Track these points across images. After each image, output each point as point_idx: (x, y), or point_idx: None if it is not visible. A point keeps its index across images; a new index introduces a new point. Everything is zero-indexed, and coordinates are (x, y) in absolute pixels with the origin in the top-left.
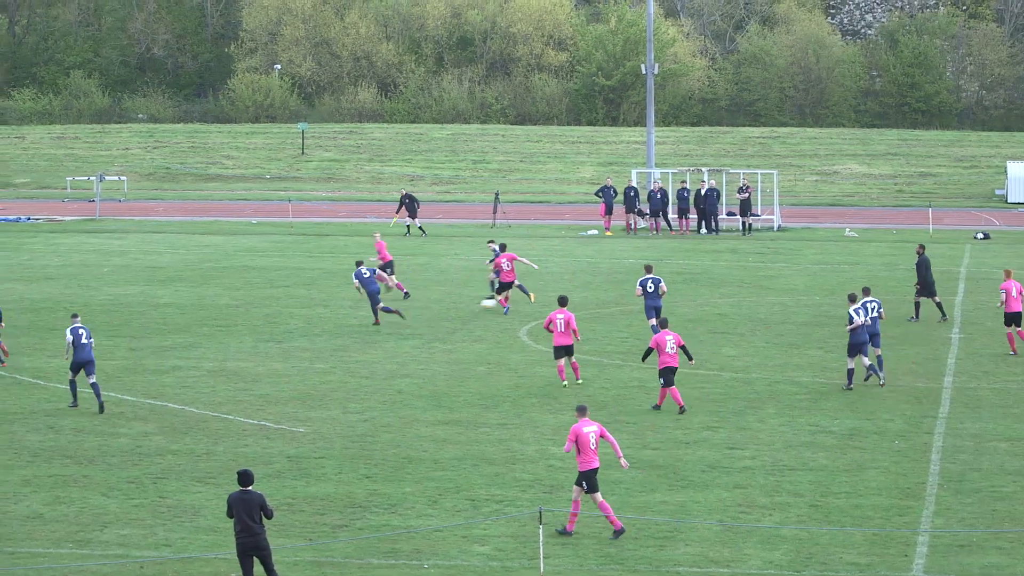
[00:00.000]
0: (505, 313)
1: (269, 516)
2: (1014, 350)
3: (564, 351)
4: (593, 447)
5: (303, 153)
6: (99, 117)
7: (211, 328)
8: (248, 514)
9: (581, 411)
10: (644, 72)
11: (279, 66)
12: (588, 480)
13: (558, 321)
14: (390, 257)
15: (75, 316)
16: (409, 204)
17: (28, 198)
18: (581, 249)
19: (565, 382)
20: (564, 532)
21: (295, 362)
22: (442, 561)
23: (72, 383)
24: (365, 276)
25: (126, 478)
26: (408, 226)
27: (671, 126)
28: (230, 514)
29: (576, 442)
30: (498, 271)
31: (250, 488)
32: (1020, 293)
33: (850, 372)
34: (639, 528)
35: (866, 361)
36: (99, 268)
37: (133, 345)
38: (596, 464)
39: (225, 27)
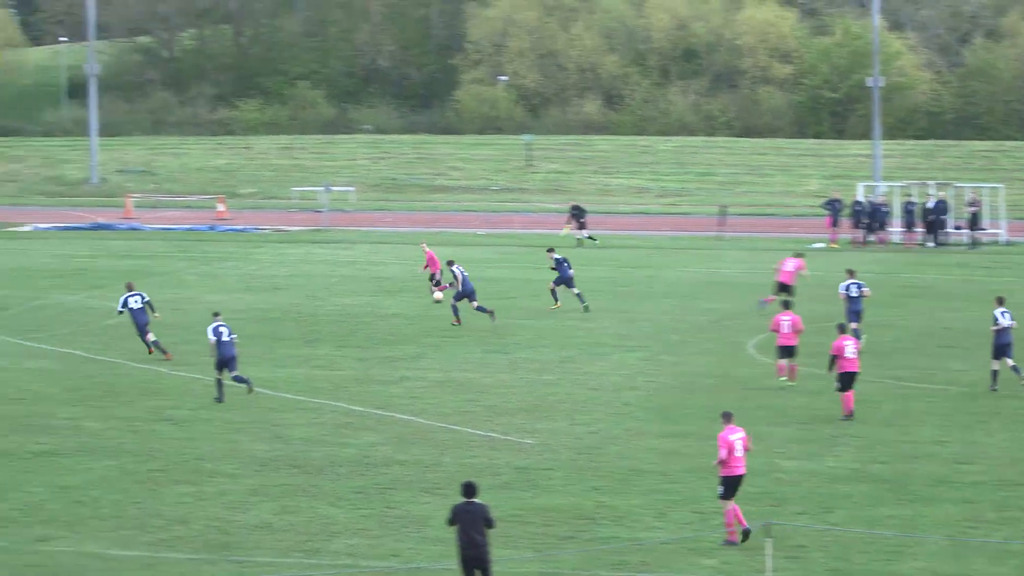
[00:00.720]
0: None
1: (491, 527)
2: None
3: (787, 352)
4: (739, 454)
5: (529, 165)
6: (325, 128)
7: (438, 339)
8: (472, 525)
9: (727, 417)
10: (870, 85)
11: (505, 77)
12: (730, 486)
13: (783, 323)
14: (439, 266)
15: (216, 314)
16: (577, 214)
17: (255, 208)
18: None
19: (783, 378)
20: (729, 543)
21: (522, 373)
22: (669, 574)
23: (218, 381)
24: (465, 275)
25: (354, 488)
26: (579, 239)
27: (897, 139)
28: (452, 523)
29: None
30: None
31: (474, 499)
32: None
33: (994, 373)
34: (867, 542)
35: (1010, 362)
36: (326, 278)
37: (361, 356)
38: (741, 471)
39: (450, 38)
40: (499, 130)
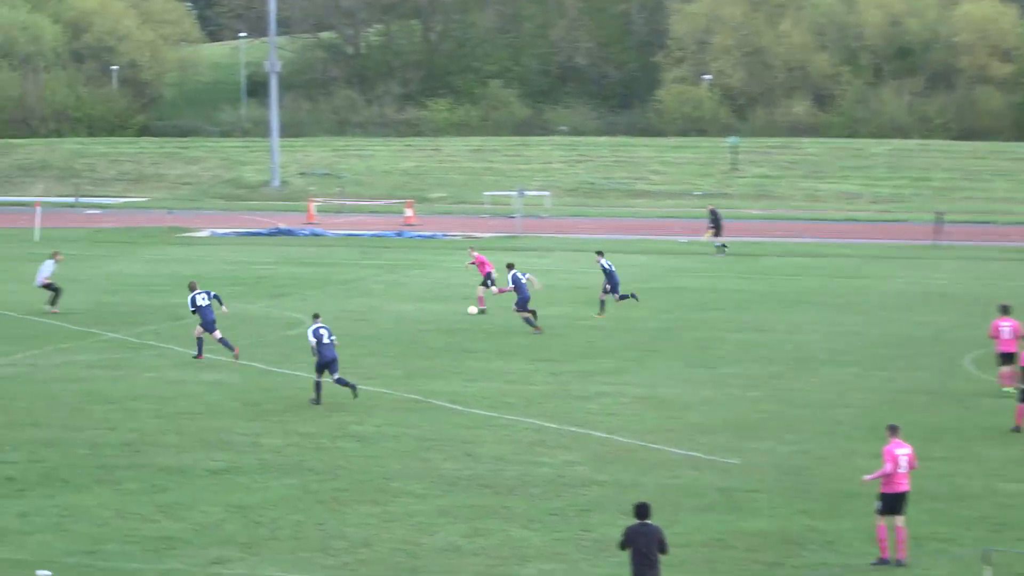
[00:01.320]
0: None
1: (664, 551)
2: None
3: (1007, 359)
4: (903, 470)
5: (734, 169)
6: (519, 129)
7: (638, 352)
8: (646, 548)
9: (893, 430)
10: None
11: (709, 76)
12: (894, 503)
13: (1003, 329)
14: (491, 267)
15: (316, 316)
16: (714, 220)
17: (444, 213)
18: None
19: (1008, 388)
20: (880, 562)
21: (727, 389)
22: None
23: (317, 384)
24: (522, 281)
25: (548, 510)
26: (717, 246)
27: None
28: (624, 546)
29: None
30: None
31: (648, 521)
32: None
33: None
34: None
35: None
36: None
37: (556, 370)
38: (903, 488)
39: (651, 35)
40: (702, 132)
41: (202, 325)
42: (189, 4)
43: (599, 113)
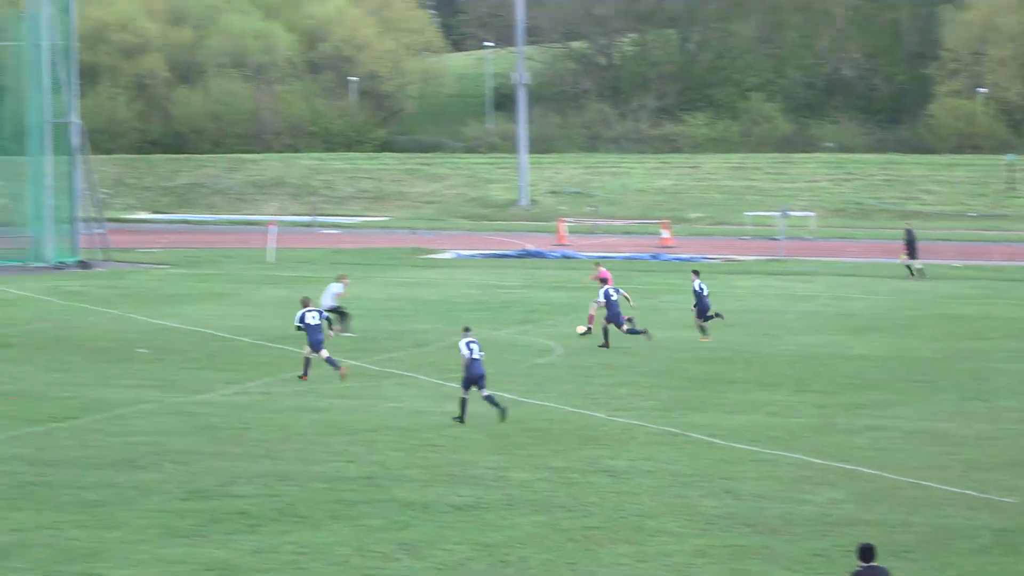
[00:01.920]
0: None
1: None
2: None
3: None
4: None
5: (1011, 188)
6: (782, 145)
7: (910, 384)
8: None
9: None
10: None
11: (984, 90)
12: None
13: None
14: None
15: (467, 329)
16: (909, 241)
17: (703, 235)
18: None
19: None
20: None
21: (1004, 424)
22: None
23: (463, 401)
24: (613, 297)
25: (812, 550)
26: (913, 269)
27: None
28: None
29: None
30: None
31: (876, 563)
32: None
33: None
34: None
35: None
36: (783, 315)
37: (821, 402)
38: None
39: (922, 45)
40: (977, 149)
41: (308, 344)
42: (432, 12)
43: (867, 128)
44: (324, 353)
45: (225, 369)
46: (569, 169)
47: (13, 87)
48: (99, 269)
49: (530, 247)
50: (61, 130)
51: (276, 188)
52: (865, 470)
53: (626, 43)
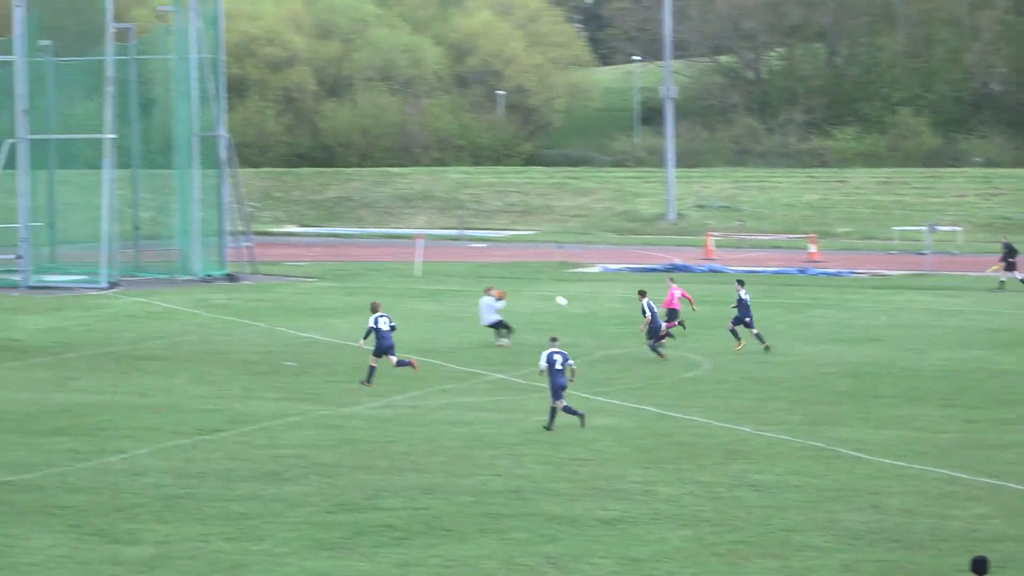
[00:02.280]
0: None
1: None
2: None
3: None
4: None
5: None
6: (929, 160)
7: None
8: None
9: None
10: None
11: None
12: None
13: None
14: (676, 306)
15: (554, 340)
16: (1008, 254)
17: (850, 249)
18: None
19: None
20: None
21: None
22: None
23: (552, 410)
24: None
25: (958, 566)
26: (1002, 280)
27: None
28: None
29: None
30: None
31: None
32: None
33: None
34: None
35: None
36: (930, 329)
37: (969, 417)
38: None
39: None
40: None
41: (378, 350)
42: (579, 26)
43: (1016, 143)
44: (394, 359)
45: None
46: (716, 183)
47: (162, 100)
48: (246, 282)
49: (677, 261)
50: (209, 143)
51: (423, 201)
52: (1014, 486)
53: (773, 57)
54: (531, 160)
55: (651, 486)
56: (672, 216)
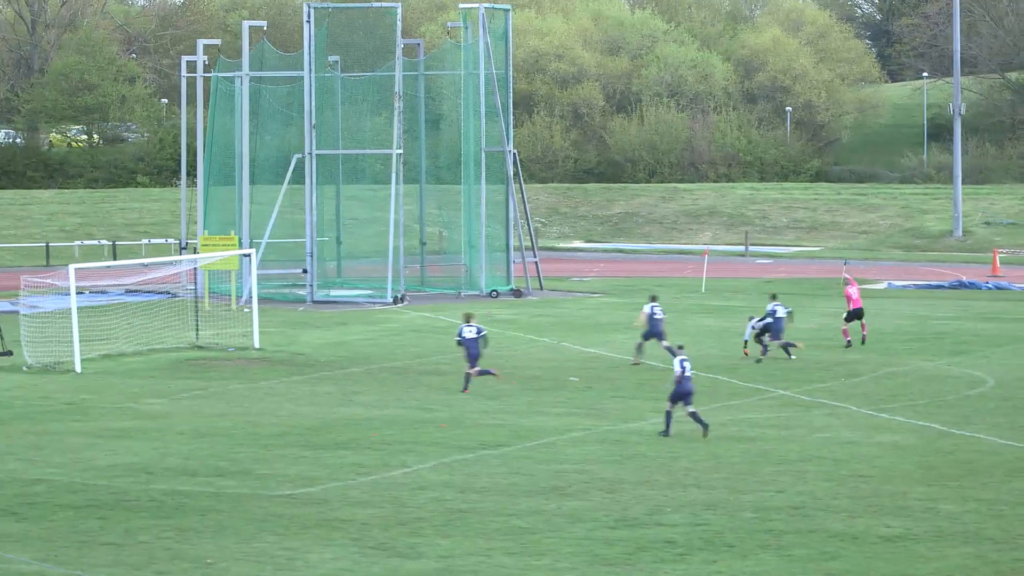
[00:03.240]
0: None
1: None
2: None
3: None
4: None
5: None
6: None
7: None
8: None
9: None
10: None
11: None
12: None
13: None
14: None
15: (680, 347)
16: None
17: None
18: None
19: None
20: None
21: None
22: None
23: (668, 414)
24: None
25: None
26: None
27: None
28: None
29: None
30: None
31: None
32: None
33: None
34: None
35: None
36: None
37: None
38: None
39: None
40: None
41: (466, 358)
42: (868, 43)
43: None
44: (476, 368)
45: (654, 398)
46: (1004, 200)
47: (449, 116)
48: (531, 298)
49: (963, 278)
50: (496, 158)
51: (710, 217)
52: None
53: None
54: (818, 176)
55: (933, 503)
56: (959, 233)
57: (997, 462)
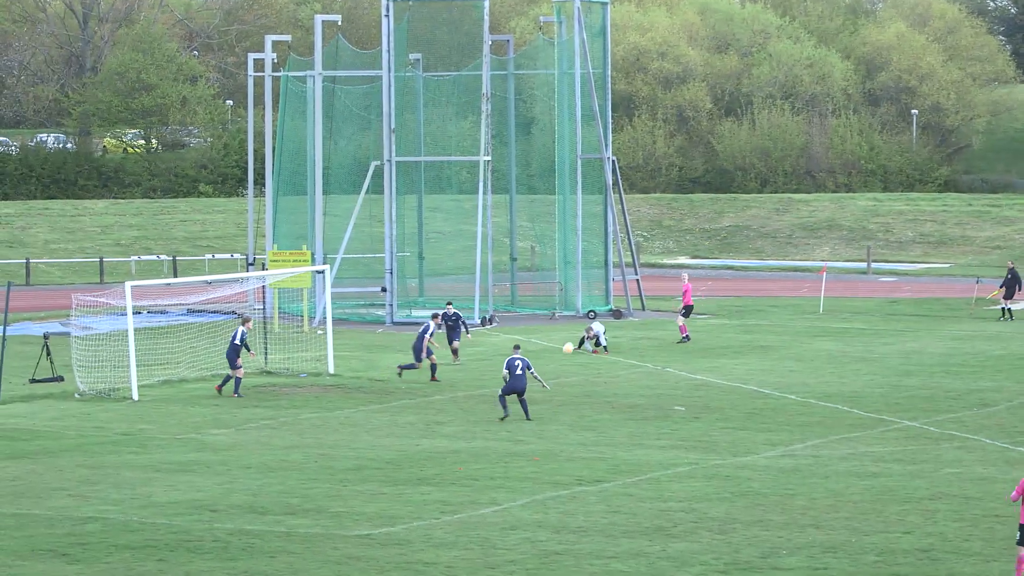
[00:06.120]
0: None
1: None
2: None
3: None
4: None
5: None
6: None
7: None
8: None
9: None
10: None
11: None
12: None
13: None
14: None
15: (516, 347)
16: (1010, 281)
17: None
18: None
19: None
20: None
21: None
22: None
23: None
24: None
25: None
26: (1005, 309)
27: None
28: None
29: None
30: None
31: None
32: None
33: None
34: None
35: None
36: None
37: None
38: None
39: None
40: None
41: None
42: (1002, 39)
43: None
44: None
45: (768, 429)
46: None
47: (542, 119)
48: (632, 318)
49: None
50: (593, 166)
51: (828, 231)
52: None
53: None
54: (946, 186)
55: None
56: None
57: None
